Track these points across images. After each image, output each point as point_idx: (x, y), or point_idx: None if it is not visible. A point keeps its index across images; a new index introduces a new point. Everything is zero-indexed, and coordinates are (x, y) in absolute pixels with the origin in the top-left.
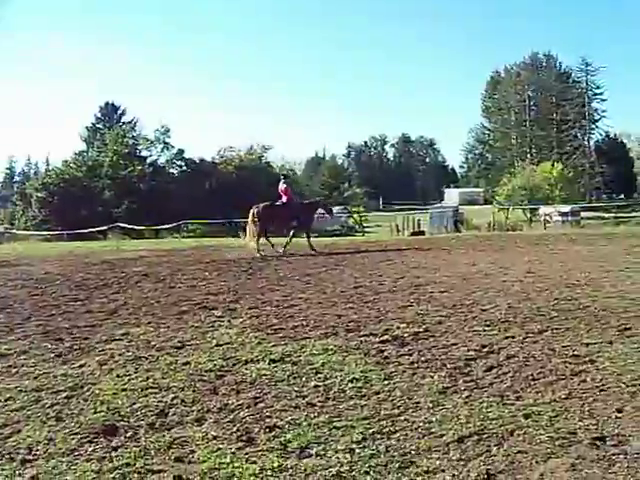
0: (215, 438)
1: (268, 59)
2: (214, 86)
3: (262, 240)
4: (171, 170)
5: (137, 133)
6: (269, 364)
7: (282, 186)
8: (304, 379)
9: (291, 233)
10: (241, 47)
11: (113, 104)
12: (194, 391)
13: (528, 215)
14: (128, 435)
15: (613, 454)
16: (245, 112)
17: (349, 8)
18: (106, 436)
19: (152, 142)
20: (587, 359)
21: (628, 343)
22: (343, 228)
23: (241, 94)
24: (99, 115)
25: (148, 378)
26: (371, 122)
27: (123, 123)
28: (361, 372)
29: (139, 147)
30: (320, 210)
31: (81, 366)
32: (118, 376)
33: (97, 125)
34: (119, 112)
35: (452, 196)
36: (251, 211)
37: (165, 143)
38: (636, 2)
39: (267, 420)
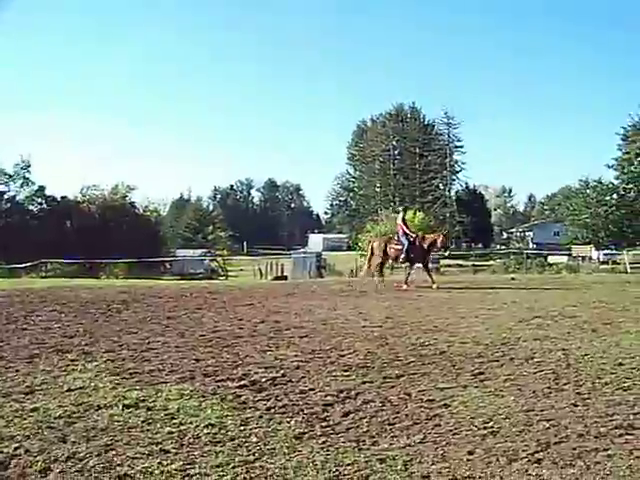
0: None
1: (130, 100)
2: (73, 126)
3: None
4: (30, 207)
5: None
6: (123, 409)
7: (399, 220)
8: (158, 425)
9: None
10: (105, 89)
11: None
12: (40, 439)
13: (391, 262)
14: None
15: None
16: (109, 151)
17: (218, 51)
18: None
19: (11, 177)
20: (442, 403)
21: (481, 387)
22: (206, 271)
23: (103, 133)
24: None
25: None
26: (238, 166)
27: None
28: (217, 418)
29: None
30: (439, 243)
31: None
32: None
33: None
34: None
35: (316, 242)
36: (370, 244)
37: (25, 178)
38: (498, 66)
39: (118, 469)
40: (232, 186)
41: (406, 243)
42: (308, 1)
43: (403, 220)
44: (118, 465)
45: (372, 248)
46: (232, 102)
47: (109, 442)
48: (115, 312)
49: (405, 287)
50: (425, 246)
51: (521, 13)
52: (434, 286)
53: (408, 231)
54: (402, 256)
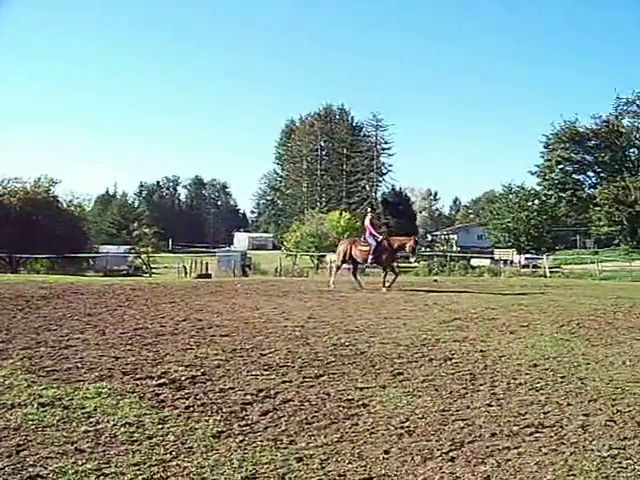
0: None
1: (58, 94)
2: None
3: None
4: None
5: None
6: (37, 408)
7: (367, 221)
8: (74, 424)
9: (386, 268)
10: (32, 82)
11: None
12: None
13: (315, 262)
14: None
15: None
16: (35, 145)
17: (142, 46)
18: None
19: None
20: (360, 403)
21: (399, 387)
22: (130, 268)
23: (31, 128)
24: None
25: None
26: (165, 162)
27: None
28: (135, 416)
29: None
30: (408, 247)
31: None
32: None
33: None
34: None
35: (242, 240)
36: (339, 245)
37: None
38: (427, 73)
39: (30, 469)
40: (158, 182)
41: (374, 244)
42: None
43: (370, 221)
44: (30, 465)
45: (339, 250)
46: (160, 98)
47: (21, 442)
48: (34, 308)
49: (384, 290)
50: (394, 247)
51: (454, 9)
52: (384, 289)
53: (375, 232)
54: (370, 257)
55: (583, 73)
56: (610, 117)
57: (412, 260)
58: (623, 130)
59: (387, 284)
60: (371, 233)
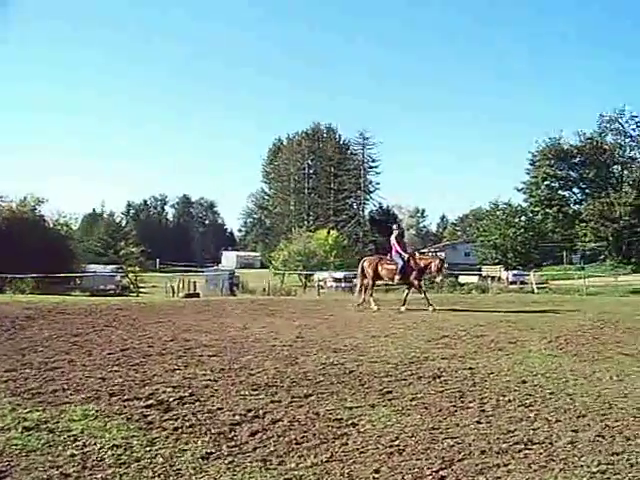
0: None
1: (46, 110)
2: None
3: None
4: None
5: None
6: (21, 432)
7: (392, 239)
8: (60, 448)
9: (411, 287)
10: (20, 103)
11: None
12: None
13: (303, 280)
14: None
15: None
16: (21, 162)
17: (131, 71)
18: None
19: None
20: (350, 422)
21: (389, 406)
22: (117, 288)
23: (13, 146)
24: None
25: None
26: (152, 181)
27: None
28: (122, 438)
29: None
30: (433, 267)
31: None
32: None
33: None
34: None
35: (230, 259)
36: (360, 264)
37: None
38: (415, 91)
39: None
40: (146, 201)
41: (401, 263)
42: (232, 10)
43: (396, 239)
44: None
45: (362, 268)
46: (148, 117)
47: (3, 468)
48: (19, 329)
49: (403, 309)
50: (421, 266)
51: (441, 26)
52: (430, 309)
53: (401, 250)
54: (397, 277)
55: (568, 89)
56: (594, 134)
57: (438, 280)
58: (607, 147)
59: (418, 303)
60: (397, 251)
